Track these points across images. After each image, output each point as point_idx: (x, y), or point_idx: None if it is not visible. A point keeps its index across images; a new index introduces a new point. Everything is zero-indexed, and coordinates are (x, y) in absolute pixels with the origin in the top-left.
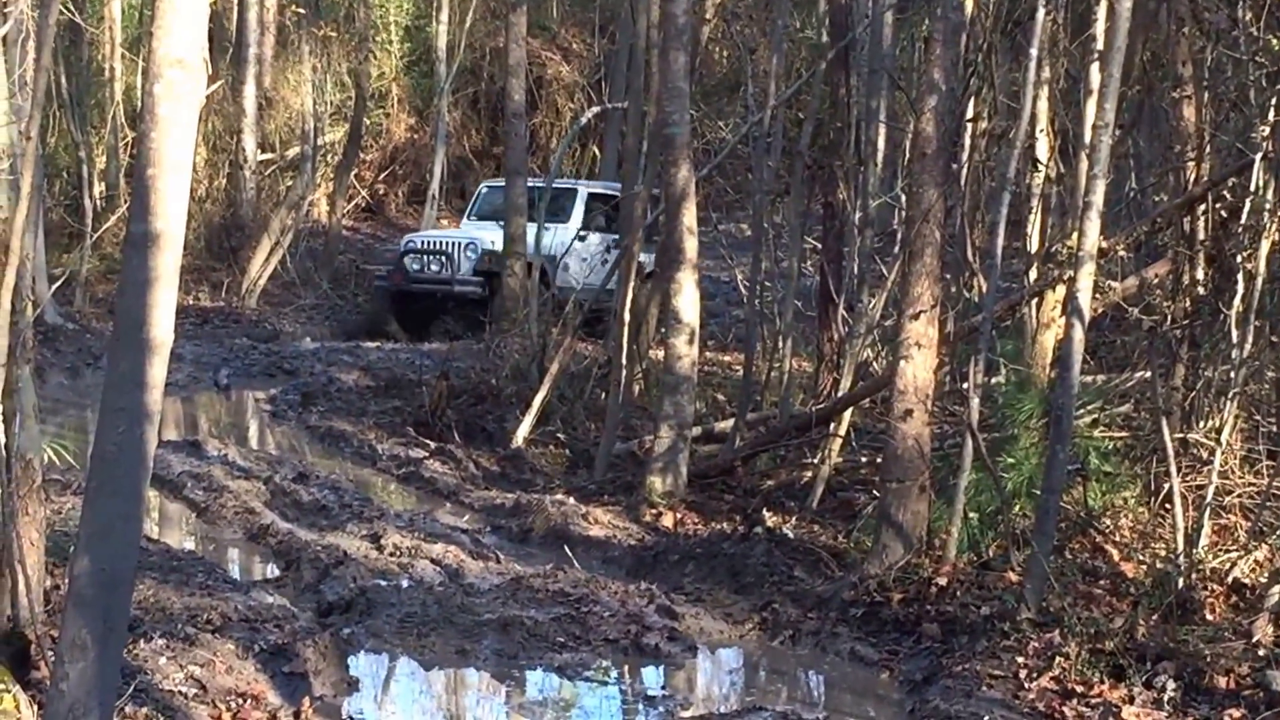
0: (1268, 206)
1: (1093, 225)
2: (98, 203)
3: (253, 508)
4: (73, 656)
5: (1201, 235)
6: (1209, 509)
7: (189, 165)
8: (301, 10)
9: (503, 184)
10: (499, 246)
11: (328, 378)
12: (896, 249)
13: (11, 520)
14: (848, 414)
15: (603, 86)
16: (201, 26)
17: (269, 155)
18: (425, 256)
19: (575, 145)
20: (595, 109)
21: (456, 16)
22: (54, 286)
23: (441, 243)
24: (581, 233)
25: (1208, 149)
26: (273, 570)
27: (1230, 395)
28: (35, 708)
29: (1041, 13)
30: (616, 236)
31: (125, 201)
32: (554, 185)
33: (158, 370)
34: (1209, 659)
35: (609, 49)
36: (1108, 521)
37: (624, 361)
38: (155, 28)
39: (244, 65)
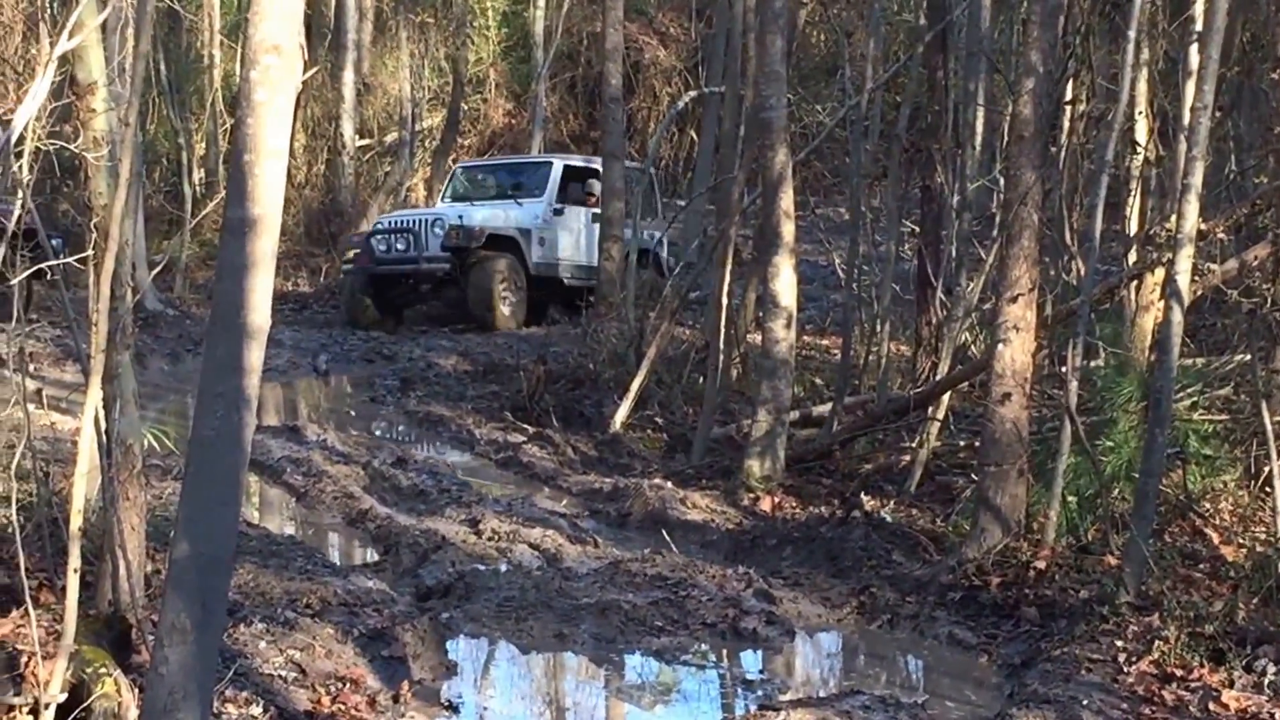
0: None
1: (1192, 207)
2: (197, 189)
3: (352, 492)
4: (172, 640)
5: None
6: None
7: (285, 151)
8: None
9: (476, 164)
10: (467, 221)
11: (426, 363)
12: (995, 232)
13: (112, 505)
14: (946, 397)
15: (700, 71)
16: (297, 13)
17: (367, 141)
18: (391, 236)
19: (673, 130)
20: (692, 93)
21: (554, 1)
22: (153, 273)
23: (408, 221)
24: (558, 206)
25: None
26: (371, 555)
27: None
28: (136, 691)
29: None
30: (597, 211)
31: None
32: (524, 161)
33: (255, 355)
34: None
35: (706, 33)
36: (1207, 505)
37: (721, 346)
38: (251, 14)
39: (342, 51)
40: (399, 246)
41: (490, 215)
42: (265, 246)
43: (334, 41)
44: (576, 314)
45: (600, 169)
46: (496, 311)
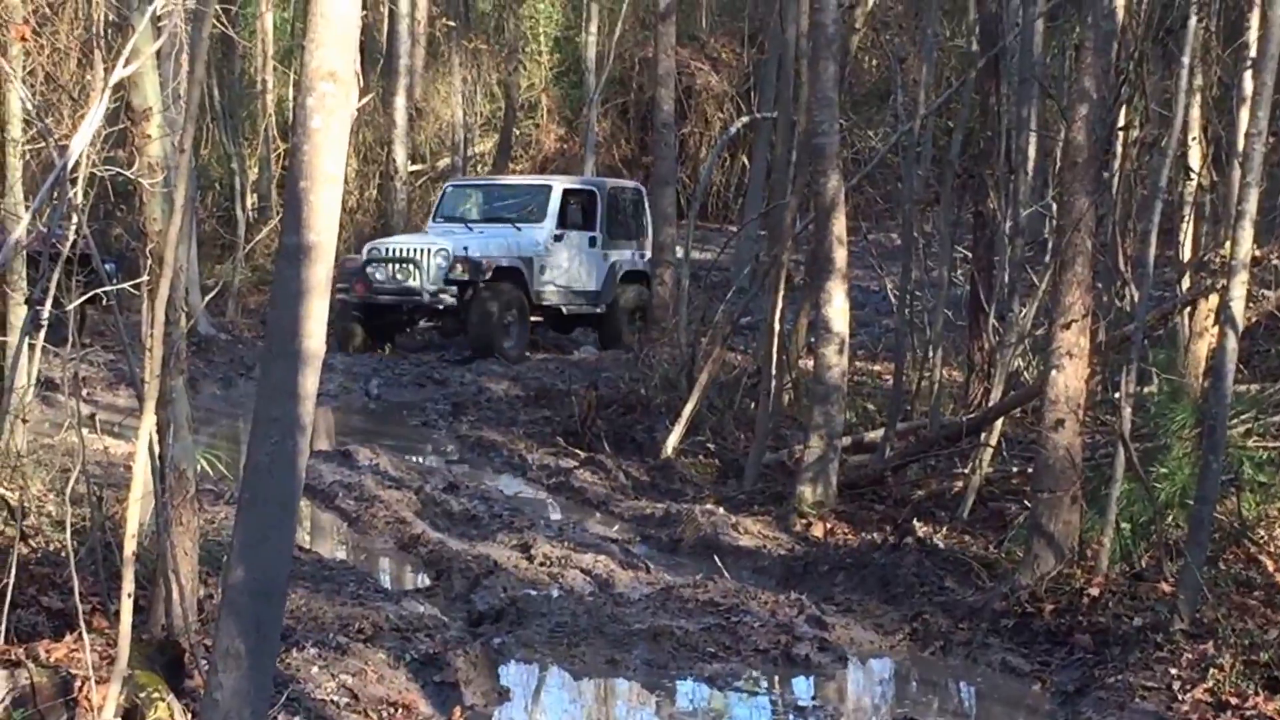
0: None
1: (1246, 234)
2: (250, 214)
3: (404, 517)
4: (226, 666)
5: None
6: None
7: (340, 177)
8: (452, 22)
9: (467, 184)
10: (473, 253)
11: (477, 388)
12: (1047, 258)
13: (166, 530)
14: (999, 424)
15: (752, 96)
16: (353, 40)
17: (419, 166)
18: (391, 265)
19: (724, 155)
20: (744, 119)
21: (606, 27)
22: (207, 298)
23: (409, 250)
24: (558, 233)
25: None
26: (424, 580)
27: None
28: (189, 716)
29: (1193, 20)
30: (594, 235)
31: (277, 213)
32: (523, 183)
33: (310, 381)
34: None
35: (758, 59)
36: (1262, 532)
37: (773, 371)
38: (308, 41)
39: (395, 77)
40: (399, 277)
41: (493, 244)
42: (320, 273)
43: (386, 67)
44: (570, 344)
45: (595, 192)
46: (498, 343)
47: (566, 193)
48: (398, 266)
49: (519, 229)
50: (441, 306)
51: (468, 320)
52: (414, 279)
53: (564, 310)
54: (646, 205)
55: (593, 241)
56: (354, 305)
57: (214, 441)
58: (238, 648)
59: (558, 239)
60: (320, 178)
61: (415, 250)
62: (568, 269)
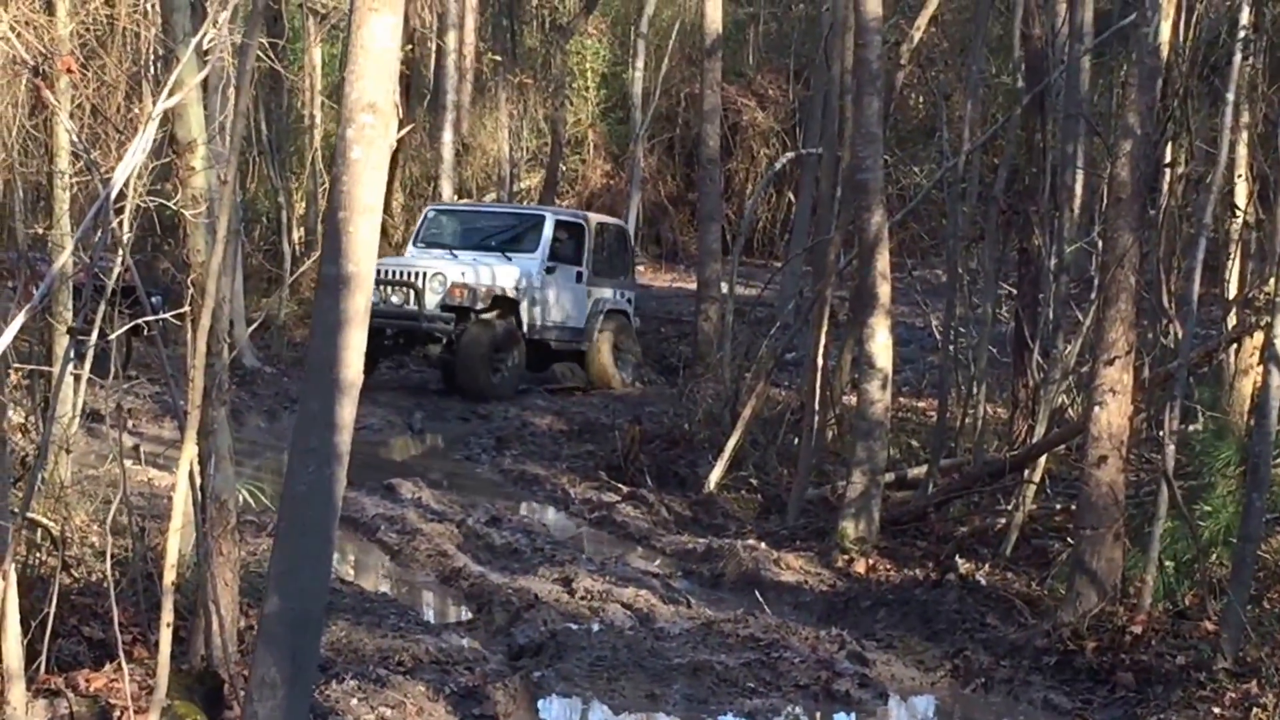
0: None
1: None
2: (296, 247)
3: (445, 550)
4: (262, 695)
5: None
6: None
7: (379, 208)
8: (498, 58)
9: (452, 209)
10: (469, 279)
11: (521, 422)
12: (1092, 295)
13: (206, 561)
14: (1042, 460)
15: (797, 132)
16: (392, 72)
17: (466, 201)
18: (386, 288)
19: (770, 191)
20: (789, 155)
21: (652, 63)
22: (250, 329)
23: (405, 273)
24: (550, 265)
25: None
26: (464, 613)
27: None
28: None
29: (1239, 57)
30: (581, 270)
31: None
32: (515, 212)
33: (347, 411)
34: None
35: (804, 95)
36: None
37: (817, 407)
38: (347, 73)
39: (441, 112)
40: (394, 300)
41: (488, 273)
42: (358, 303)
43: (433, 102)
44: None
45: (583, 226)
46: (485, 379)
47: (559, 224)
48: (392, 289)
49: (510, 258)
50: (439, 336)
51: (458, 351)
52: (410, 303)
53: (551, 345)
54: (630, 244)
55: (579, 277)
56: None
57: (258, 474)
58: (274, 677)
59: (549, 271)
60: (359, 208)
61: (412, 273)
62: (556, 303)
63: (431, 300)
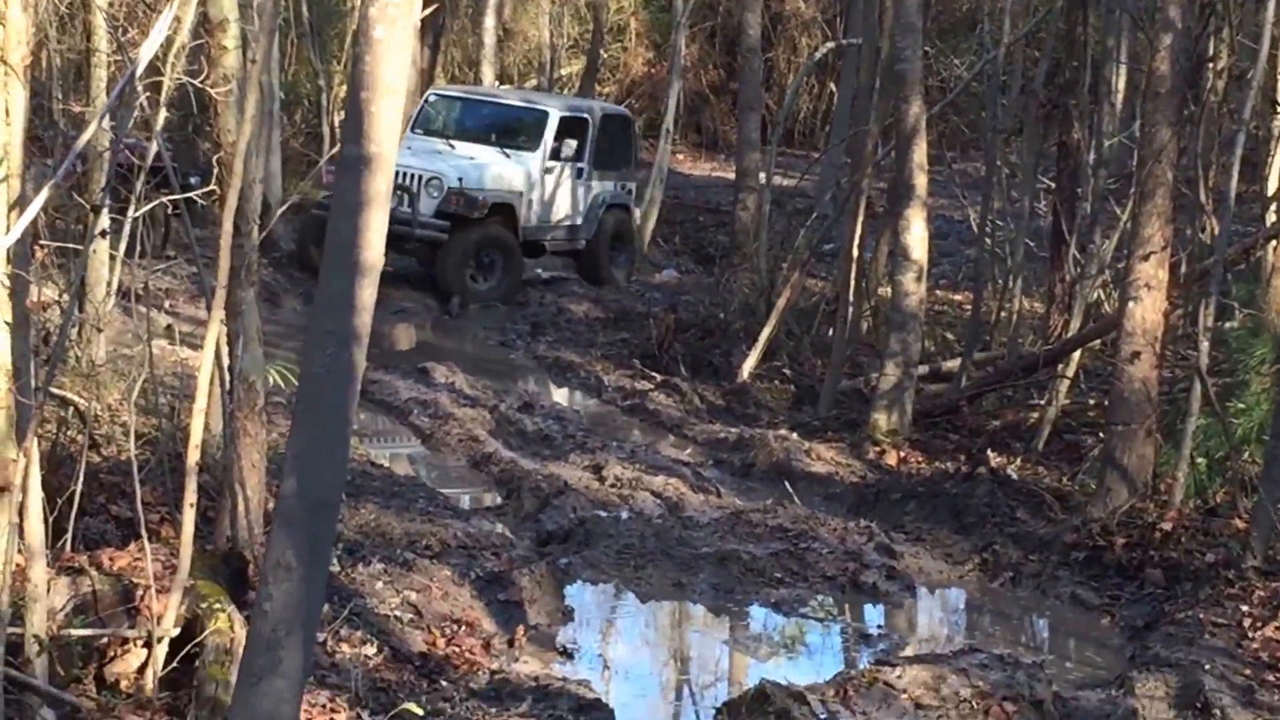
0: None
1: None
2: (335, 131)
3: (477, 435)
4: (277, 578)
5: None
6: None
7: (403, 89)
8: None
9: (453, 94)
10: (467, 183)
11: (557, 308)
12: (1131, 190)
13: (233, 442)
14: (1076, 355)
15: (839, 23)
16: None
17: (507, 87)
18: None
19: (811, 82)
20: (829, 45)
21: None
22: (280, 210)
23: (399, 174)
24: (549, 165)
25: None
26: (494, 498)
27: None
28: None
29: None
30: (582, 166)
31: None
32: (518, 105)
33: (367, 293)
34: None
35: None
36: None
37: (851, 298)
38: None
39: None
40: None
41: (485, 174)
42: (379, 184)
43: None
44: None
45: (588, 120)
46: (466, 286)
47: (564, 121)
48: None
49: (508, 155)
50: (434, 242)
51: (439, 258)
52: (404, 205)
53: (545, 245)
54: (634, 134)
55: (580, 173)
56: (324, 227)
57: (291, 356)
58: (289, 559)
59: (548, 171)
60: (381, 88)
61: (407, 176)
62: (554, 203)
63: (427, 205)
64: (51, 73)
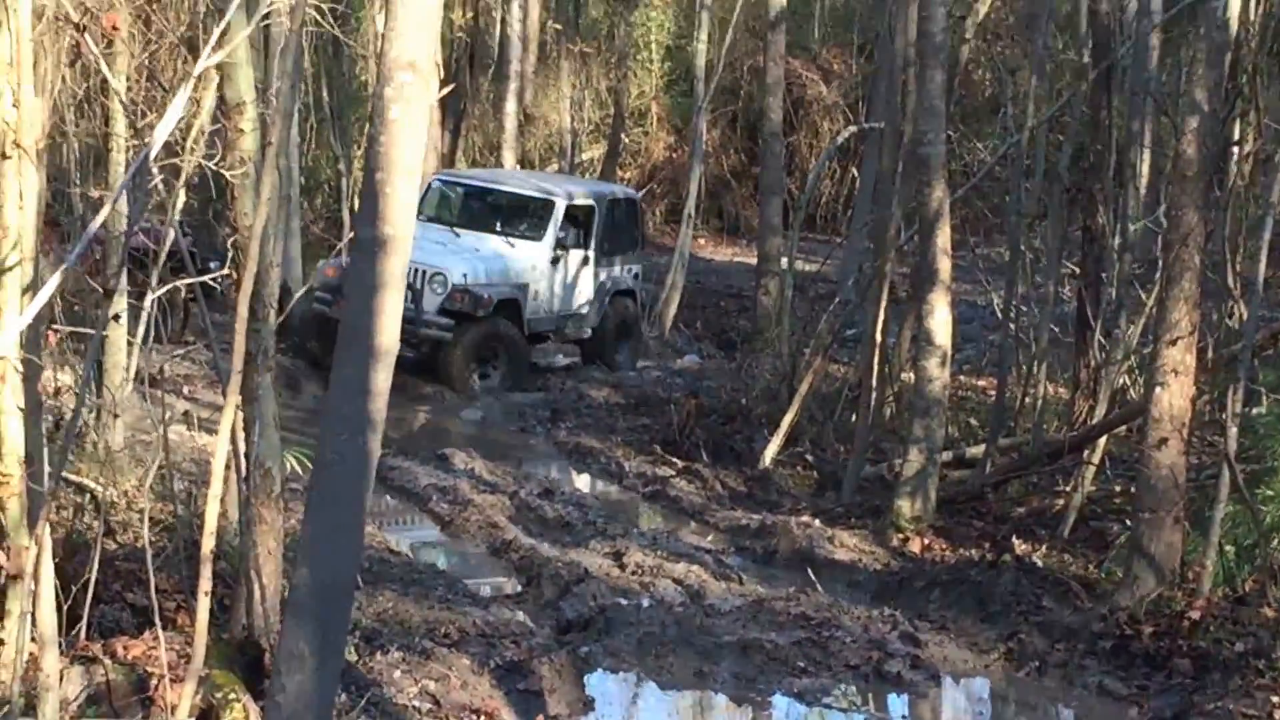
0: None
1: None
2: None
3: (496, 522)
4: (289, 668)
5: None
6: None
7: (418, 170)
8: (559, 26)
9: (458, 180)
10: (472, 279)
11: (577, 394)
12: (1157, 274)
13: (248, 529)
14: (1102, 441)
15: (861, 107)
16: (434, 30)
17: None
18: None
19: (834, 166)
20: (851, 129)
21: (717, 35)
22: (298, 294)
23: None
24: (557, 253)
25: None
26: (513, 585)
27: None
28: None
29: None
30: (588, 254)
31: None
32: (524, 194)
33: (382, 378)
34: None
35: (869, 69)
36: None
37: (874, 383)
38: (387, 29)
39: (504, 82)
40: None
41: (490, 268)
42: (395, 267)
43: (497, 72)
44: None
45: (594, 206)
46: (472, 382)
47: (570, 210)
48: None
49: (513, 244)
50: (439, 340)
51: (440, 356)
52: (407, 302)
53: (550, 337)
54: (640, 215)
55: (586, 260)
56: (325, 323)
57: (309, 441)
58: (302, 649)
59: (554, 261)
60: (398, 169)
61: (410, 271)
62: (560, 293)
63: (430, 302)
64: (71, 157)
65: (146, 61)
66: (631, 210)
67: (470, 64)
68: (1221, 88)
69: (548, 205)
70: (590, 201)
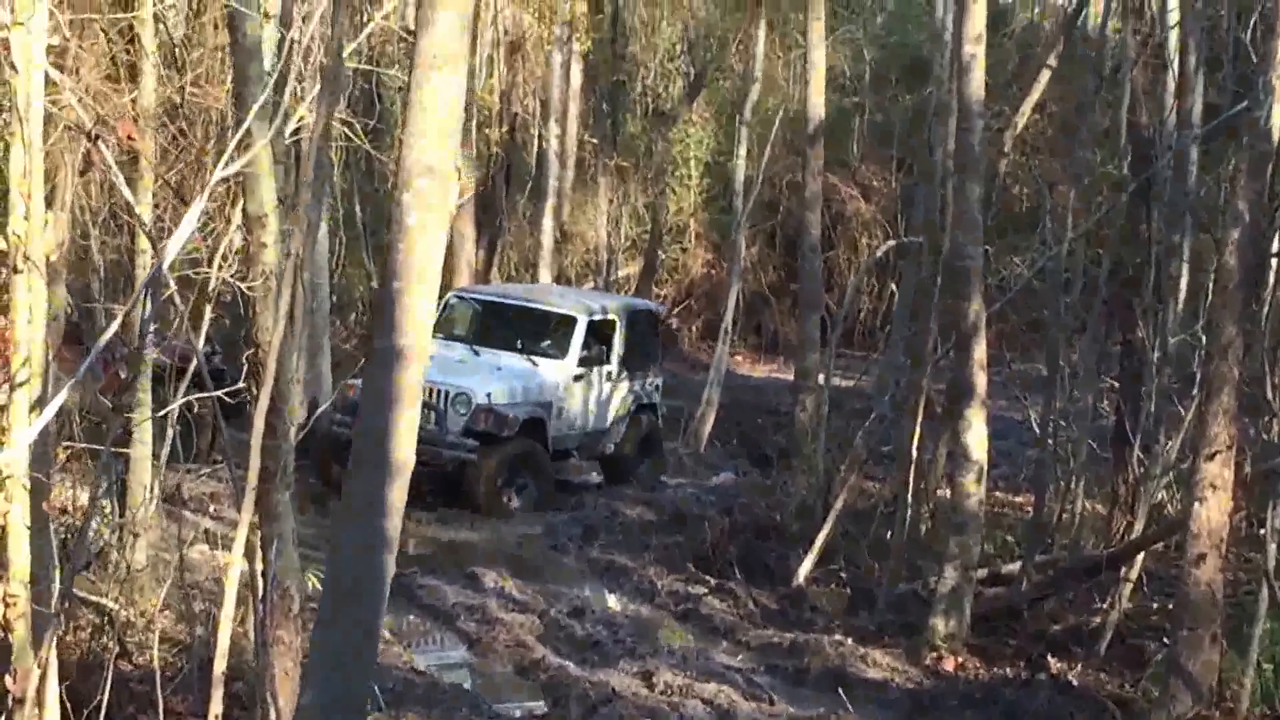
0: None
1: None
2: None
3: (525, 641)
4: None
5: None
6: None
7: (437, 279)
8: (596, 141)
9: (475, 295)
10: (496, 399)
11: (610, 511)
12: (1195, 389)
13: (264, 650)
14: (1140, 558)
15: (899, 221)
16: (454, 133)
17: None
18: None
19: (872, 281)
20: (890, 243)
21: (755, 151)
22: (318, 411)
23: (426, 390)
24: (579, 372)
25: None
26: (540, 707)
27: None
28: None
29: None
30: (610, 369)
31: None
32: (545, 309)
33: (397, 494)
34: None
35: (907, 183)
36: None
37: (910, 499)
38: (406, 134)
39: (542, 199)
40: None
41: (514, 389)
42: (411, 378)
43: (534, 188)
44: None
45: (617, 320)
46: (498, 506)
47: (592, 325)
48: None
49: (535, 362)
50: (462, 462)
51: (473, 478)
52: (430, 424)
53: (574, 454)
54: (659, 326)
55: (609, 375)
56: (341, 443)
57: None
58: None
59: (577, 378)
60: (415, 276)
61: (433, 392)
62: (583, 410)
63: (454, 423)
64: (94, 273)
65: (172, 176)
66: (652, 323)
67: (507, 180)
68: (1263, 198)
69: (570, 321)
70: (613, 316)
